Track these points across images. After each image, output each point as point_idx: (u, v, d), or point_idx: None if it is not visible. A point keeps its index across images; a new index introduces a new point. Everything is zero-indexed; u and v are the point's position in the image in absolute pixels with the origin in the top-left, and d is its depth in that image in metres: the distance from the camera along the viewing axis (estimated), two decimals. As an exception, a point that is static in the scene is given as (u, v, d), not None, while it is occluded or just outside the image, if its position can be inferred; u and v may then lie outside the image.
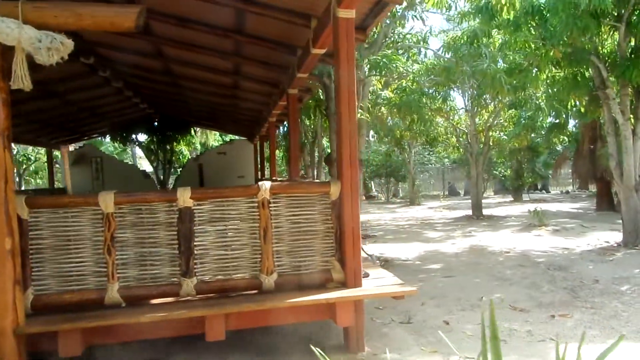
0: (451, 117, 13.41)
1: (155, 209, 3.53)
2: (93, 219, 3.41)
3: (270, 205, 3.67)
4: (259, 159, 15.86)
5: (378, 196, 25.73)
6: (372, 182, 25.39)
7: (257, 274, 3.65)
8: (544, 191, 25.63)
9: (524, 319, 4.49)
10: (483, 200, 18.43)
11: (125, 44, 7.60)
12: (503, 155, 18.65)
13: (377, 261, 7.31)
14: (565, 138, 17.41)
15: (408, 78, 8.36)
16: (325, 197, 3.77)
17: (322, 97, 8.04)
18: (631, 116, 7.86)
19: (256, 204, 3.64)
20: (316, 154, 13.89)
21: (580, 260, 7.17)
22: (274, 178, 10.97)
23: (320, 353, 2.07)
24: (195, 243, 3.57)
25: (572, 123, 16.28)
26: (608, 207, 14.06)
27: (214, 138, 27.08)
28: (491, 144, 14.15)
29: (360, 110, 6.79)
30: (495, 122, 13.32)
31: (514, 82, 7.97)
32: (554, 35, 6.61)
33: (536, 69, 7.66)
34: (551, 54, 7.07)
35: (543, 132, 16.39)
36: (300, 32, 5.15)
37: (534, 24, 6.99)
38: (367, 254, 7.39)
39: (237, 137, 18.44)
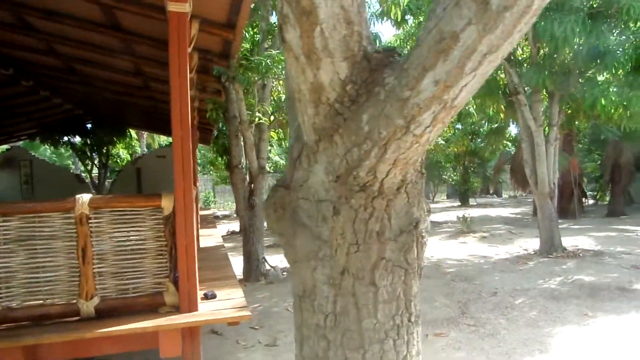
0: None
1: (-52, 226, 3.08)
2: None
3: (90, 221, 3.26)
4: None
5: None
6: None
7: (75, 299, 3.24)
8: (495, 195, 25.91)
9: (396, 339, 4.21)
10: (432, 205, 18.35)
11: (17, 41, 7.08)
12: (449, 160, 18.64)
13: (284, 274, 6.97)
14: (509, 143, 17.53)
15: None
16: (157, 211, 3.38)
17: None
18: (545, 123, 7.78)
19: (73, 220, 3.23)
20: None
21: (491, 270, 7.01)
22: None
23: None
24: (-2, 265, 3.14)
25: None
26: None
27: (165, 139, 26.25)
28: (432, 148, 14.03)
29: (258, 115, 6.45)
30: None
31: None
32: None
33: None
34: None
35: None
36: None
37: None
38: (270, 266, 7.05)
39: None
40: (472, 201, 20.41)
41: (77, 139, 15.92)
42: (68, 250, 3.24)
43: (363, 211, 1.16)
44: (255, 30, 6.58)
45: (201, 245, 6.15)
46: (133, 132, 18.30)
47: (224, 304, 3.60)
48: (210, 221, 9.53)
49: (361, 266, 1.18)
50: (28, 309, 3.19)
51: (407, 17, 7.61)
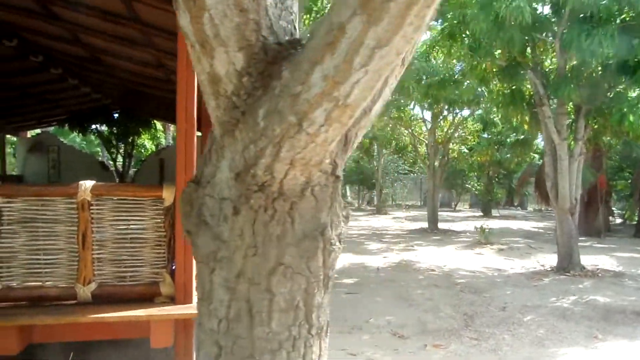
0: (412, 128, 13.08)
1: (-45, 204, 3.16)
2: None
3: (92, 207, 3.30)
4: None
5: (352, 203, 25.42)
6: (346, 188, 25.06)
7: (73, 283, 3.29)
8: (519, 208, 25.33)
9: (394, 347, 4.14)
10: (453, 214, 18.16)
11: (45, 29, 7.26)
12: (473, 169, 18.34)
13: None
14: (536, 155, 17.15)
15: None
16: (158, 202, 3.40)
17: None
18: (571, 137, 7.57)
19: (75, 206, 3.28)
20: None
21: (504, 283, 6.84)
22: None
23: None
24: (1, 245, 3.21)
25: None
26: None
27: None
28: (454, 156, 13.83)
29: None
30: (457, 134, 12.99)
31: (453, 93, 7.66)
32: (481, 46, 6.30)
33: (468, 82, 7.36)
34: (483, 66, 6.75)
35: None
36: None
37: (467, 34, 6.68)
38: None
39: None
40: (494, 212, 20.01)
41: (105, 128, 16.27)
42: (69, 234, 3.29)
43: (263, 212, 1.08)
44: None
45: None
46: (159, 124, 18.61)
47: (219, 298, 3.60)
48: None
49: (258, 271, 1.09)
50: (27, 290, 3.25)
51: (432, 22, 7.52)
